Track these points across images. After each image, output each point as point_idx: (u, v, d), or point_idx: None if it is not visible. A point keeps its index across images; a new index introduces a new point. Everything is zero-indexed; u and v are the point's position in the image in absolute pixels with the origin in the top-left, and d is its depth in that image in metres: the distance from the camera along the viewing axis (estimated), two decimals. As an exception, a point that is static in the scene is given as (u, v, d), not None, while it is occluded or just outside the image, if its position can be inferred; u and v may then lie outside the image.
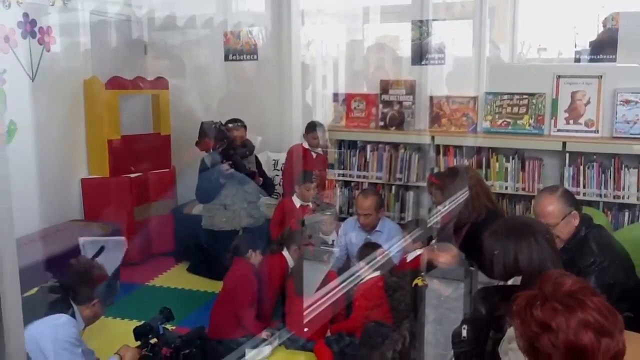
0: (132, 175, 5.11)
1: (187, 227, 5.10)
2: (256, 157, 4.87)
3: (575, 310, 1.46)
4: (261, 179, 4.77)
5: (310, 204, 4.52)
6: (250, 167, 4.64)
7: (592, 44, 4.55)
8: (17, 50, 4.49)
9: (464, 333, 2.43)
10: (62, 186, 4.92)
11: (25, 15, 4.56)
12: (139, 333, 2.69)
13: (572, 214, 2.78)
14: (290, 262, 3.95)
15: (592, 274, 2.65)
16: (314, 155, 4.91)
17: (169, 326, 2.88)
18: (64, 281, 2.68)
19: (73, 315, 2.57)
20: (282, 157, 5.27)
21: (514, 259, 2.12)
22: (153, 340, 2.69)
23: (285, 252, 3.97)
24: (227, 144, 4.44)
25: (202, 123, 4.52)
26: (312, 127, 4.85)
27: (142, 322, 2.80)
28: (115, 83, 5.01)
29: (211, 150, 4.46)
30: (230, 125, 4.62)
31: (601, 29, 4.51)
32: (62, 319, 2.50)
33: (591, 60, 4.53)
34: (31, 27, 4.61)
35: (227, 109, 5.12)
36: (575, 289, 1.51)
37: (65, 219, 4.88)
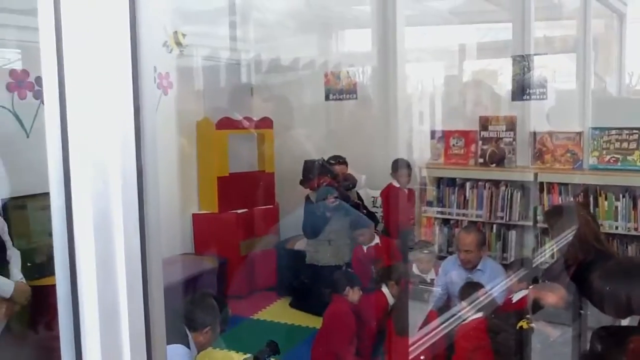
0: (239, 211, 5.37)
1: (289, 262, 5.27)
2: (358, 194, 5.01)
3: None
4: (364, 211, 4.90)
5: (378, 242, 4.51)
6: (354, 199, 4.78)
7: None
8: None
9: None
10: (176, 221, 5.26)
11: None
12: None
13: None
14: (390, 299, 3.99)
15: None
16: (406, 191, 4.95)
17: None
18: (179, 309, 2.87)
19: (187, 344, 2.75)
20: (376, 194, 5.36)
21: (627, 300, 2.07)
22: None
23: (384, 289, 4.01)
24: (332, 178, 4.59)
25: (306, 162, 4.72)
26: (398, 166, 4.91)
27: (248, 354, 2.93)
28: (225, 123, 5.33)
29: (316, 186, 4.62)
30: (332, 161, 4.82)
31: None
32: (179, 349, 2.68)
33: None
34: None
35: (328, 147, 5.30)
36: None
37: (178, 252, 5.21)
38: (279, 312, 5.09)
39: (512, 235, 4.79)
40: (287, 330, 4.71)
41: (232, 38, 6.03)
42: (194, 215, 5.36)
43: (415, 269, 4.59)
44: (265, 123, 5.69)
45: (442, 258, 4.61)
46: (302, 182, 4.79)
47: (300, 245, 5.42)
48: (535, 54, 4.92)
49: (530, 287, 3.28)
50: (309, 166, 4.70)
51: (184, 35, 5.34)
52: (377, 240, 4.51)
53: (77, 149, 0.71)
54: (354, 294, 3.88)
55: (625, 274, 2.15)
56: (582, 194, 4.53)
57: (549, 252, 3.47)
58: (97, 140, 0.71)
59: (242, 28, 6.08)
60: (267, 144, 5.68)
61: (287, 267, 5.29)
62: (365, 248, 4.48)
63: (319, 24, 6.14)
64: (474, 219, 4.92)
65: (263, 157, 5.72)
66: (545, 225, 3.62)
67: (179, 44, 5.36)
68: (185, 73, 5.48)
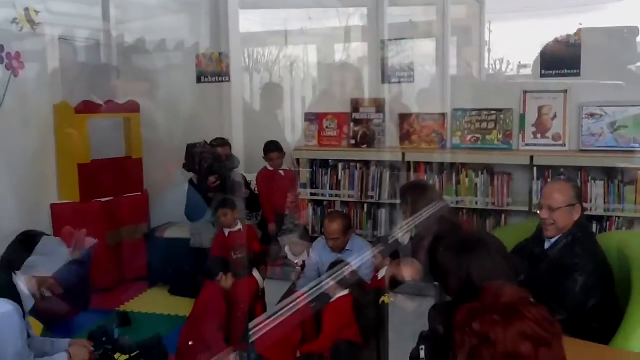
0: (104, 200, 5.06)
1: (163, 250, 5.07)
2: (244, 176, 4.92)
3: (514, 322, 1.46)
4: (247, 191, 4.86)
5: (240, 228, 4.45)
6: (239, 181, 4.70)
7: (556, 59, 4.62)
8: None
9: (422, 354, 2.42)
10: (32, 211, 4.86)
11: (-8, 40, 4.55)
12: (93, 336, 2.61)
13: (576, 206, 2.86)
14: (261, 282, 3.93)
15: (576, 273, 2.71)
16: (282, 173, 4.92)
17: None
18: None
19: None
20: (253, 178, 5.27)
21: (467, 273, 2.12)
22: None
23: (255, 273, 3.94)
24: (213, 159, 4.51)
25: (188, 145, 4.63)
26: (268, 149, 4.88)
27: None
28: (85, 107, 4.99)
29: (197, 168, 4.53)
30: (214, 143, 4.76)
31: (565, 44, 4.59)
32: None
33: (556, 76, 4.60)
34: (-1, 53, 4.61)
35: (201, 131, 5.13)
36: (514, 300, 1.52)
37: (35, 246, 4.81)
38: (150, 301, 4.89)
39: (382, 213, 4.90)
40: (158, 319, 4.53)
41: (95, 17, 5.65)
42: (52, 205, 4.98)
43: (288, 252, 4.57)
44: (132, 107, 5.39)
45: (315, 239, 4.61)
46: (185, 166, 4.67)
47: (172, 232, 5.23)
48: (399, 39, 5.05)
49: (389, 263, 3.34)
50: (191, 149, 4.61)
51: (37, 12, 4.93)
52: (239, 225, 4.42)
53: None
54: (226, 280, 3.77)
55: (467, 247, 2.20)
56: (445, 171, 4.71)
57: (406, 228, 3.56)
58: None
59: (106, 6, 5.72)
60: (133, 128, 5.40)
61: (160, 255, 5.09)
62: (227, 233, 4.38)
63: (191, 4, 5.91)
64: (346, 199, 4.97)
65: (130, 143, 5.43)
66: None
67: (31, 21, 4.93)
68: (39, 53, 5.05)
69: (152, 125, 5.54)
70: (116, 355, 2.61)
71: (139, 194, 5.43)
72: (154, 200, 5.57)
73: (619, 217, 4.26)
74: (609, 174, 4.34)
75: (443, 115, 4.85)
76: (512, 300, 1.52)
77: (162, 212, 5.48)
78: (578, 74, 4.52)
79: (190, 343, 3.53)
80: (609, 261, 2.90)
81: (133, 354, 2.59)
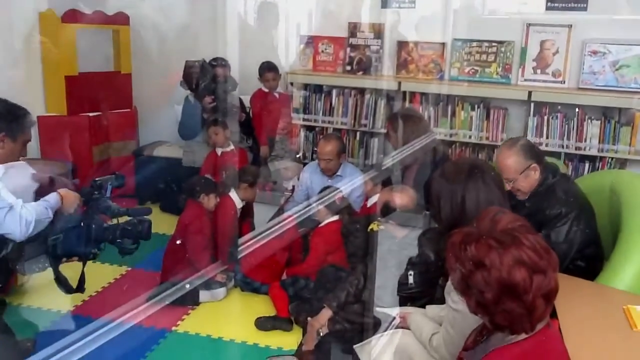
0: (91, 114, 4.95)
1: (150, 169, 5.03)
2: (240, 99, 4.82)
3: (510, 248, 1.44)
4: (244, 114, 4.78)
5: (233, 148, 4.41)
6: (235, 104, 4.62)
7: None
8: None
9: (411, 279, 2.44)
10: (18, 123, 4.74)
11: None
12: (86, 192, 2.51)
13: (532, 167, 2.75)
14: (238, 203, 3.90)
15: (559, 222, 2.68)
16: (277, 95, 4.82)
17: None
18: None
19: None
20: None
21: (461, 200, 2.10)
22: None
23: (232, 193, 3.90)
24: (210, 79, 4.45)
25: (187, 62, 4.54)
26: (263, 69, 4.76)
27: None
28: (72, 16, 4.78)
29: (194, 87, 4.47)
30: (213, 63, 4.63)
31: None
32: None
33: (562, 9, 4.45)
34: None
35: (193, 49, 4.96)
36: (511, 227, 1.49)
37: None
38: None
39: (375, 142, 4.84)
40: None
41: None
42: (39, 117, 4.85)
43: (279, 177, 4.55)
44: (121, 18, 5.18)
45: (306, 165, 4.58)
46: (182, 84, 4.61)
47: (162, 151, 5.16)
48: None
49: (381, 190, 3.32)
50: (189, 67, 4.52)
51: None
52: (232, 146, 4.37)
53: None
54: (209, 201, 3.75)
55: (461, 173, 2.17)
56: (441, 103, 4.63)
57: (397, 157, 3.53)
58: None
59: None
60: (122, 42, 5.21)
61: (149, 173, 5.05)
62: (219, 152, 4.32)
63: None
64: (339, 126, 4.90)
65: (119, 57, 5.25)
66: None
67: None
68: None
69: (142, 40, 5.35)
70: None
71: (128, 110, 5.32)
72: (143, 118, 5.46)
73: (611, 158, 4.25)
74: (606, 113, 4.29)
75: (442, 44, 4.72)
76: (509, 226, 1.49)
77: (152, 130, 5.39)
78: (584, 9, 4.38)
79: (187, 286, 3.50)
80: (601, 197, 2.89)
81: (123, 222, 2.45)
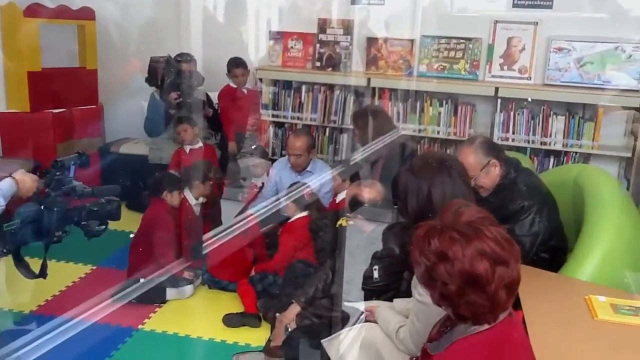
0: (55, 111, 4.84)
1: (116, 166, 4.94)
2: (207, 95, 4.76)
3: (472, 240, 1.44)
4: (211, 110, 4.72)
5: (201, 145, 4.37)
6: (202, 99, 4.57)
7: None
8: None
9: (375, 274, 2.44)
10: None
11: None
12: (45, 171, 2.30)
13: (491, 163, 2.78)
14: (192, 200, 3.87)
15: (522, 215, 2.70)
16: (245, 91, 4.78)
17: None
18: None
19: None
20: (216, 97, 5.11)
21: (427, 194, 2.11)
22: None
23: (186, 192, 3.87)
24: (175, 75, 4.37)
25: (152, 58, 4.46)
26: (232, 65, 4.72)
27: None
28: (35, 10, 4.67)
29: (159, 83, 4.40)
30: (179, 58, 4.55)
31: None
32: None
33: (528, 7, 4.52)
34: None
35: (162, 45, 4.88)
36: (474, 219, 1.50)
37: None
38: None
39: (344, 138, 4.84)
40: (111, 234, 4.43)
41: None
42: (0, 114, 4.74)
43: (248, 174, 4.52)
44: (86, 13, 5.08)
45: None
46: (147, 80, 4.53)
47: (128, 148, 5.08)
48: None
49: (349, 185, 3.32)
50: (154, 63, 4.45)
51: None
52: (200, 143, 4.32)
53: None
54: (172, 197, 3.70)
55: (428, 167, 2.17)
56: (410, 99, 4.65)
57: (365, 152, 3.54)
58: None
59: None
60: (88, 37, 5.11)
61: (115, 170, 4.95)
62: (188, 149, 4.27)
63: None
64: (308, 122, 4.89)
65: (84, 52, 5.15)
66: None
67: None
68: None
69: (108, 35, 5.25)
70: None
71: (94, 106, 5.22)
72: (109, 114, 5.37)
73: (576, 153, 4.33)
74: (571, 109, 4.37)
75: (411, 41, 4.74)
76: (472, 219, 1.50)
77: (118, 127, 5.30)
78: (550, 6, 4.45)
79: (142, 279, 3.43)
80: (565, 191, 2.94)
81: (89, 204, 2.24)
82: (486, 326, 1.48)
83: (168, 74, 4.34)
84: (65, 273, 3.81)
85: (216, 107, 4.90)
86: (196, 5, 5.23)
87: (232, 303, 3.51)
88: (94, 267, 3.97)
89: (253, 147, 4.73)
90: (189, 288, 3.59)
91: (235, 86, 4.75)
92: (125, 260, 3.75)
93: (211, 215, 4.10)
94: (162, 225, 3.58)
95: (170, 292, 3.54)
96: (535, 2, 4.50)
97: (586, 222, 2.70)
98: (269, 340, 3.02)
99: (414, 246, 1.52)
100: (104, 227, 2.25)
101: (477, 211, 1.55)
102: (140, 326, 3.33)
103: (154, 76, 4.47)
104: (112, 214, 2.26)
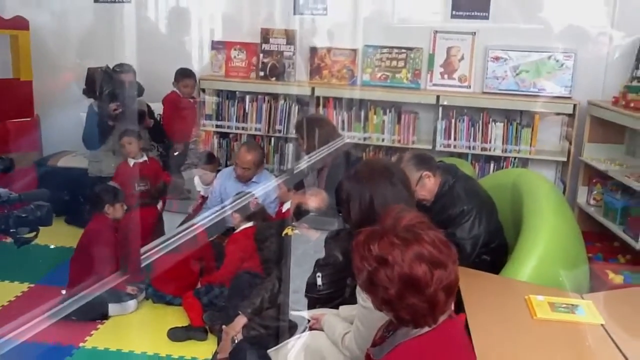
0: (-12, 124, 4.66)
1: (54, 180, 4.77)
2: (148, 105, 4.66)
3: (411, 244, 1.46)
4: (152, 120, 4.60)
5: (146, 159, 4.29)
6: (143, 109, 4.46)
7: (467, 1, 4.65)
8: None
9: (319, 281, 2.44)
10: None
11: None
12: None
13: (424, 175, 2.88)
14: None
15: (462, 220, 2.77)
16: (191, 101, 4.72)
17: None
18: None
19: None
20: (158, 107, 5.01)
21: (370, 200, 2.12)
22: None
23: (160, 205, 3.80)
24: (114, 86, 4.25)
25: (89, 69, 4.35)
26: (180, 75, 4.65)
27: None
28: (-36, 20, 4.49)
29: (97, 94, 4.26)
30: (117, 69, 4.44)
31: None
32: None
33: (466, 17, 4.65)
34: None
35: (101, 55, 4.76)
36: (413, 224, 1.52)
37: None
38: (46, 231, 4.59)
39: (289, 147, 4.84)
40: (50, 250, 4.28)
41: None
42: None
43: (197, 182, 4.45)
44: (19, 23, 4.90)
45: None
46: (85, 91, 4.40)
47: (67, 161, 4.92)
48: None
49: (294, 193, 3.31)
50: (92, 74, 4.33)
51: None
52: (145, 157, 4.23)
53: None
54: (115, 211, 3.60)
55: (370, 174, 2.20)
56: (354, 108, 4.70)
57: (309, 160, 3.55)
58: None
59: None
60: (22, 47, 4.93)
61: (52, 185, 4.78)
62: (132, 163, 4.17)
63: None
64: (253, 132, 4.86)
65: (18, 63, 4.97)
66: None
67: None
68: None
69: (44, 45, 5.09)
70: None
71: (29, 119, 5.03)
72: (46, 127, 5.19)
73: (515, 158, 4.46)
74: (509, 116, 4.50)
75: (354, 51, 4.79)
76: (410, 223, 1.52)
77: (55, 140, 5.13)
78: (487, 17, 4.59)
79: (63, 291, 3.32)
80: (504, 195, 3.02)
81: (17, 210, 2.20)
82: (427, 329, 1.50)
83: (106, 85, 4.23)
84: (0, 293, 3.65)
85: (158, 118, 4.80)
86: (136, 15, 5.15)
87: (177, 317, 3.43)
88: (32, 285, 3.81)
89: (197, 157, 4.67)
90: (132, 303, 3.49)
91: (181, 95, 4.68)
92: (65, 277, 3.62)
93: (157, 228, 4.02)
94: (103, 239, 3.47)
95: (112, 308, 3.44)
96: (473, 13, 4.63)
97: (524, 225, 2.79)
98: (216, 353, 2.96)
99: (355, 252, 1.53)
100: (34, 233, 2.13)
101: (416, 216, 1.57)
102: (81, 344, 3.21)
103: (91, 87, 4.34)
104: (43, 219, 2.10)
